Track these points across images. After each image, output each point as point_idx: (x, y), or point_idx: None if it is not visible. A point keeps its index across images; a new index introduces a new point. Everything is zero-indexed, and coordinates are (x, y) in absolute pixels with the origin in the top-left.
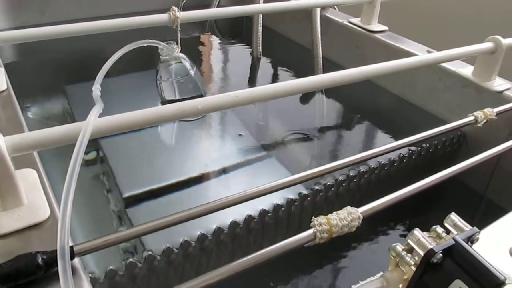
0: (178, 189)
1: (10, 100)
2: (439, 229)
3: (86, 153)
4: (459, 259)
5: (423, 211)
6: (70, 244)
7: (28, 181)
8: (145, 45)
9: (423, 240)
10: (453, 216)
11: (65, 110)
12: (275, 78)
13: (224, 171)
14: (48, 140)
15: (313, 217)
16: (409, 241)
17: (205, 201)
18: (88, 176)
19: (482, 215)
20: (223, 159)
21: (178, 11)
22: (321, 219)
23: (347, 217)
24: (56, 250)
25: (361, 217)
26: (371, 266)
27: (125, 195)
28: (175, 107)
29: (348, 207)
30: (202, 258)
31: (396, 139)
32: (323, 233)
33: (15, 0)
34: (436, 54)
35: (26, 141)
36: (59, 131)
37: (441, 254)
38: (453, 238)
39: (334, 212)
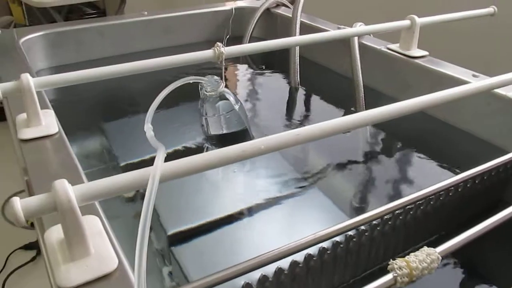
0: (223, 225)
1: (62, 143)
2: None
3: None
4: None
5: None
6: None
7: (93, 228)
8: (191, 81)
9: None
10: None
11: (104, 147)
12: (316, 108)
13: (268, 204)
14: (116, 188)
15: (391, 260)
16: None
17: (251, 235)
18: (130, 214)
19: None
20: (267, 192)
21: (222, 46)
22: (400, 262)
23: (426, 258)
24: None
25: (440, 258)
26: None
27: (169, 232)
28: (239, 149)
29: (426, 248)
30: None
31: (447, 167)
32: (403, 277)
33: (53, 41)
34: (490, 80)
35: (94, 190)
36: (126, 178)
37: None
38: None
39: (412, 254)
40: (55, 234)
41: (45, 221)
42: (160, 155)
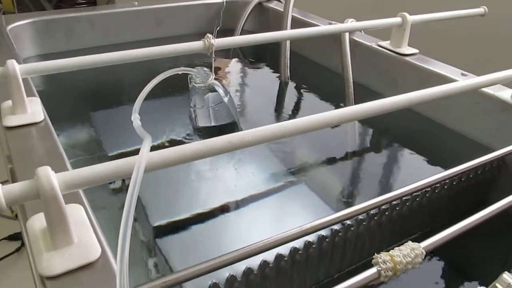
0: (209, 218)
1: (48, 131)
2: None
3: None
4: None
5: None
6: None
7: (76, 217)
8: (180, 72)
9: None
10: None
11: (91, 137)
12: (305, 103)
13: (255, 198)
14: (100, 176)
15: (376, 254)
16: (497, 284)
17: (238, 228)
18: (115, 205)
19: None
20: (254, 186)
21: (212, 38)
22: (384, 256)
23: (410, 253)
24: None
25: (424, 253)
26: None
27: (155, 224)
28: (225, 140)
29: (410, 243)
30: None
31: (434, 165)
32: (387, 271)
33: (42, 28)
34: (478, 79)
35: (78, 178)
36: (111, 166)
37: None
38: None
39: (396, 248)
40: (37, 222)
41: (28, 210)
42: (146, 144)
